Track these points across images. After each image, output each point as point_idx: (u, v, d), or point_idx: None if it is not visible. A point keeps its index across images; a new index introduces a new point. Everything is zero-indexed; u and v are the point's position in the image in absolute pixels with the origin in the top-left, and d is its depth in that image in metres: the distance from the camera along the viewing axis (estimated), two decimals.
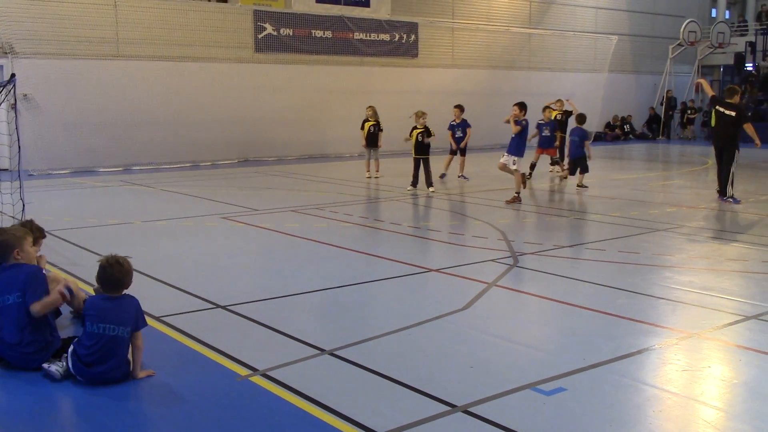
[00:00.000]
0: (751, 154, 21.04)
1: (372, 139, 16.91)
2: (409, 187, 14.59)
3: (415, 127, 14.74)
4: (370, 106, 17.21)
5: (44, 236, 6.60)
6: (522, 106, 13.34)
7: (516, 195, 13.02)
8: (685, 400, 4.69)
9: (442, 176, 16.48)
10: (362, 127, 17.09)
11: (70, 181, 16.90)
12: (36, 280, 5.28)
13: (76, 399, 4.76)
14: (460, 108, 16.73)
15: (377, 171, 17.03)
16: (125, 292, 5.09)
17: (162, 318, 6.26)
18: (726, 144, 13.07)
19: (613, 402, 4.61)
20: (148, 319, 6.24)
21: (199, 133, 20.71)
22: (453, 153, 16.94)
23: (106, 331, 4.86)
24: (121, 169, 19.10)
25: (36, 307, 5.13)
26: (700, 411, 4.53)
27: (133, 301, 5.07)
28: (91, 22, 19.06)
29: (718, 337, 5.84)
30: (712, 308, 6.60)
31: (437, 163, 15.88)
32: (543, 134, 16.81)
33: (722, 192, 13.11)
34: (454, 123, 16.81)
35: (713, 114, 13.29)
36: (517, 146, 13.20)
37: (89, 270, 7.05)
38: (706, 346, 5.67)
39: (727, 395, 4.79)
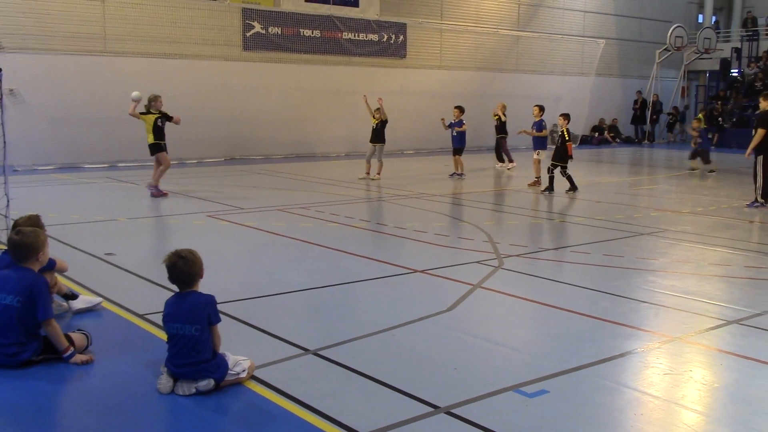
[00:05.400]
0: (733, 160, 21.23)
1: (377, 136, 16.69)
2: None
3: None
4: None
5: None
6: (541, 108, 16.24)
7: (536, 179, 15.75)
8: (667, 403, 4.73)
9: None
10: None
11: (54, 177, 16.80)
12: (47, 294, 5.23)
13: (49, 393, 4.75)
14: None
15: (378, 173, 16.65)
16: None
17: (146, 316, 6.23)
18: None
19: (595, 405, 4.64)
20: (132, 317, 6.25)
21: (186, 130, 20.43)
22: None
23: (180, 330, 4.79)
24: (106, 165, 19.01)
25: (48, 329, 5.12)
26: (681, 415, 4.56)
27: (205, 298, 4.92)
28: (78, 18, 18.95)
29: (700, 342, 5.88)
30: (695, 312, 6.65)
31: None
32: None
33: (765, 197, 13.16)
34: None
35: (766, 121, 12.81)
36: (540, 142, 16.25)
37: (71, 266, 7.02)
38: (688, 350, 5.72)
39: (708, 399, 4.83)
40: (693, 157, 20.09)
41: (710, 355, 5.66)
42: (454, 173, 17.48)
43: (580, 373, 5.12)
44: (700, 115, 23.01)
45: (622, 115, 32.56)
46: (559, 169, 14.83)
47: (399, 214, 12.38)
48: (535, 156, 16.02)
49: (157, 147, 13.43)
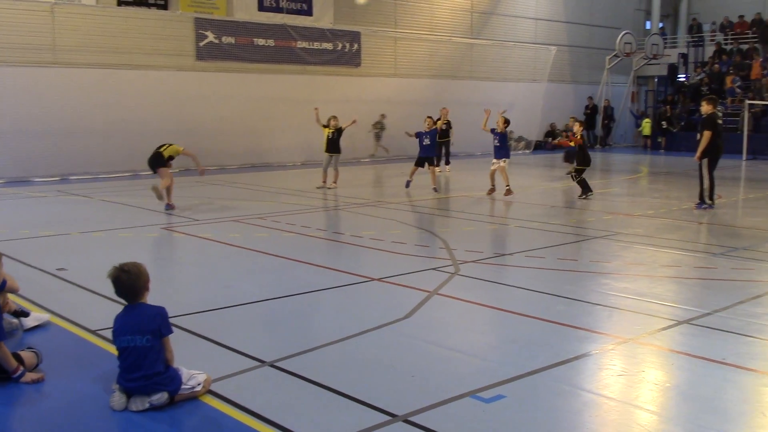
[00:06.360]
0: (682, 163, 21.70)
1: (333, 145, 16.58)
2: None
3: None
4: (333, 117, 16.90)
5: None
6: (507, 121, 15.59)
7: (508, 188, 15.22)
8: (621, 404, 4.80)
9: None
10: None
11: (3, 191, 16.42)
12: None
13: None
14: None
15: (335, 182, 16.61)
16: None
17: (98, 332, 6.12)
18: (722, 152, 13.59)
19: (551, 408, 4.69)
20: (83, 333, 6.14)
21: (138, 142, 20.24)
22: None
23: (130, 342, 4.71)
24: (57, 178, 18.65)
25: None
26: (635, 415, 4.63)
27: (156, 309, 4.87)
28: (26, 29, 18.60)
29: (653, 342, 5.99)
30: (647, 314, 6.77)
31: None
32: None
33: (712, 198, 13.50)
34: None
35: (711, 124, 13.11)
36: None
37: (21, 283, 6.87)
38: (641, 351, 5.81)
39: (661, 399, 4.92)
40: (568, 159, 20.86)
41: (662, 355, 5.77)
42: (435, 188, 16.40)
43: (537, 377, 5.17)
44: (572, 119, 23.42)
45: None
46: (574, 173, 15.15)
47: (356, 222, 12.38)
48: (502, 164, 15.39)
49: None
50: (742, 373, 5.32)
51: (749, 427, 4.50)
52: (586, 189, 14.99)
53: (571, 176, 15.25)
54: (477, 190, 16.33)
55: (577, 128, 15.44)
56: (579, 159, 15.24)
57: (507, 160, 15.68)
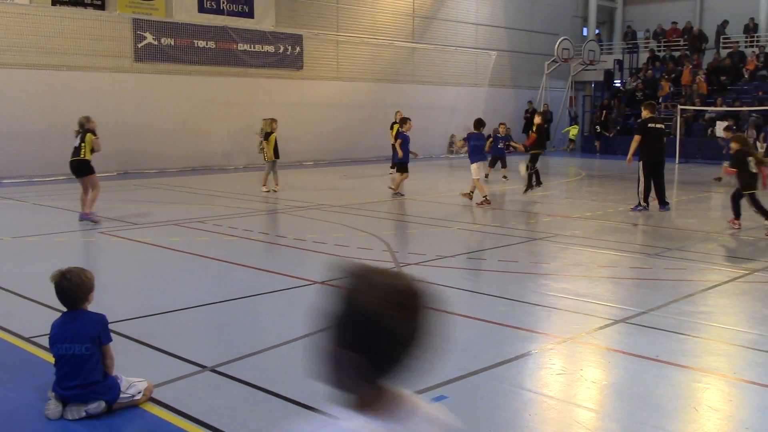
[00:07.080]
0: (618, 166, 22.18)
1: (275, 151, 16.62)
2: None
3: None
4: (275, 120, 16.90)
5: None
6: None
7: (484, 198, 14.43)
8: (561, 402, 4.90)
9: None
10: (266, 139, 16.61)
11: None
12: None
13: None
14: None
15: (277, 185, 16.56)
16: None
17: (32, 339, 5.96)
18: (664, 156, 13.97)
19: (492, 408, 4.75)
20: (18, 341, 5.97)
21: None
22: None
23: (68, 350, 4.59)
24: None
25: None
26: (573, 413, 4.73)
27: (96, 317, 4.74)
28: None
29: (590, 341, 6.13)
30: (585, 313, 6.92)
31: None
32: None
33: (664, 202, 13.79)
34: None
35: (646, 130, 13.46)
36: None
37: None
38: (579, 350, 5.94)
39: (598, 396, 5.03)
40: (493, 164, 21.20)
41: (600, 354, 5.90)
42: (397, 192, 16.01)
43: (478, 377, 5.23)
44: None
45: (515, 124, 33.53)
46: (530, 164, 15.88)
47: (298, 225, 12.32)
48: (473, 174, 14.67)
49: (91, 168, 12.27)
50: (675, 369, 5.48)
51: (682, 421, 4.64)
52: (530, 183, 15.63)
53: (527, 166, 15.75)
54: (420, 193, 16.43)
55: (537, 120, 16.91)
56: (536, 144, 16.34)
57: (478, 163, 14.79)
